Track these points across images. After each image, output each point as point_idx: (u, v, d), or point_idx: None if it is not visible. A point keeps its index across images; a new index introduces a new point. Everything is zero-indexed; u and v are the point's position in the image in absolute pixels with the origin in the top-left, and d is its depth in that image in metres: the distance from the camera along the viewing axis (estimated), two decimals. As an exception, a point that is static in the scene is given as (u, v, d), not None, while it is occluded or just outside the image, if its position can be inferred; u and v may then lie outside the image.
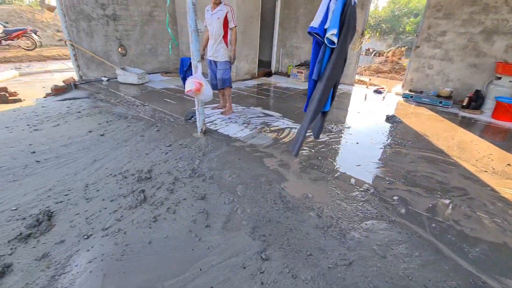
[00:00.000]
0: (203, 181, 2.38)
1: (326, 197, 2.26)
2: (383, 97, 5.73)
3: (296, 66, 7.26)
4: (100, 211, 1.93)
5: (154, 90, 5.43)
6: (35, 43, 10.95)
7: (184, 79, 3.99)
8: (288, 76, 7.35)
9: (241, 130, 3.57)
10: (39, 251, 1.55)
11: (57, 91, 5.38)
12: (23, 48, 10.78)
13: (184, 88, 3.48)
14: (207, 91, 2.98)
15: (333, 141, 3.36)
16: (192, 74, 3.21)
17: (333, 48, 1.82)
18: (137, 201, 2.03)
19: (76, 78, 5.74)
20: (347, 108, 4.89)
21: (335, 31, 1.69)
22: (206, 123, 3.63)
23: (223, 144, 3.13)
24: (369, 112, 4.64)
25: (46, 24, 17.06)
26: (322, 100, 1.89)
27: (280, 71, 7.96)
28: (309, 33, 1.88)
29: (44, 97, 5.25)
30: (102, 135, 3.27)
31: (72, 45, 5.41)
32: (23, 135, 3.17)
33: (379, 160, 2.95)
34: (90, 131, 3.36)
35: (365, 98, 5.70)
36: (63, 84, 5.52)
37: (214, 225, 1.87)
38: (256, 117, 4.11)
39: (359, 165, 2.80)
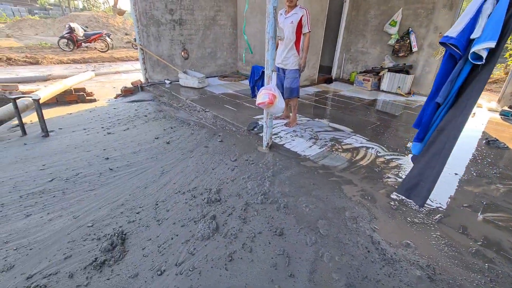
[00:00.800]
0: (277, 210, 2.09)
1: (433, 250, 1.78)
2: (473, 114, 4.82)
3: (360, 72, 6.62)
4: (172, 238, 1.77)
5: (214, 95, 5.39)
6: (108, 45, 12.06)
7: (253, 89, 3.79)
8: (351, 83, 6.75)
9: (310, 146, 3.22)
10: (113, 285, 1.42)
11: (126, 92, 5.68)
12: (98, 50, 11.96)
13: (254, 97, 3.26)
14: (280, 104, 2.69)
15: (423, 169, 2.80)
16: (263, 85, 2.97)
17: (477, 65, 1.36)
18: (209, 229, 1.82)
19: (143, 80, 6.01)
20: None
21: (492, 44, 1.23)
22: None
23: (292, 163, 2.81)
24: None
25: (117, 28, 18.88)
26: (456, 133, 1.44)
27: (341, 77, 7.39)
28: (442, 43, 1.45)
29: (114, 98, 5.59)
30: (168, 143, 3.23)
31: (142, 49, 5.66)
32: (98, 138, 3.29)
33: (491, 201, 2.33)
34: (157, 138, 3.35)
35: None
36: (131, 86, 5.82)
37: (298, 275, 1.55)
38: (324, 131, 3.71)
39: (467, 206, 2.23)
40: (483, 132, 3.89)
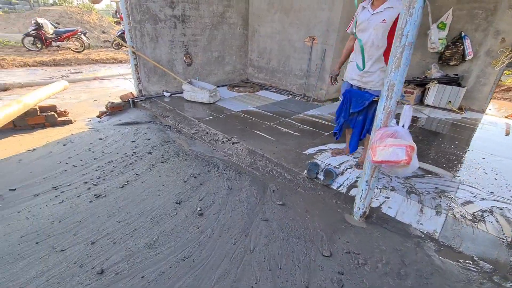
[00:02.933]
0: None
1: None
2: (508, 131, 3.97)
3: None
4: None
5: (232, 113, 4.15)
6: (84, 44, 10.38)
7: (342, 126, 2.51)
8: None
9: (421, 212, 2.10)
10: None
11: (113, 109, 4.29)
12: (72, 50, 10.23)
13: (338, 138, 2.18)
14: (415, 162, 1.54)
15: None
16: (367, 123, 1.82)
17: None
18: None
19: (135, 92, 4.64)
20: (486, 150, 3.22)
21: None
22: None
23: (417, 254, 1.68)
24: None
25: (93, 25, 16.94)
26: None
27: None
28: None
29: (98, 117, 4.20)
30: (200, 213, 1.97)
31: (134, 53, 4.30)
32: (79, 212, 1.95)
33: None
34: (179, 203, 2.08)
35: (508, 133, 4.00)
36: (120, 101, 4.44)
37: None
38: (414, 176, 2.61)
39: None
40: None
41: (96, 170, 2.43)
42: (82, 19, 17.01)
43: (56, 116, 3.80)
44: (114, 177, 2.36)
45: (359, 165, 2.73)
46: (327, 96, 5.14)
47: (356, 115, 2.08)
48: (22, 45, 9.75)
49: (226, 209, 2.03)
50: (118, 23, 20.57)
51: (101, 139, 3.17)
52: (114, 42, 12.17)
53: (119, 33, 12.13)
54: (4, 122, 2.96)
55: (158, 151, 2.91)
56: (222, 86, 5.87)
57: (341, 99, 2.69)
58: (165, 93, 4.82)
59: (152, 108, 4.23)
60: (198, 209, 2.01)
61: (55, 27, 10.20)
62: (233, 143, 3.12)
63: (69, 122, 3.88)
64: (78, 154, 2.73)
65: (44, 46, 9.67)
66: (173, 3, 4.54)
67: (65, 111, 3.98)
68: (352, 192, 2.28)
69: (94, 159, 2.65)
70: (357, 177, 2.53)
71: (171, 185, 2.30)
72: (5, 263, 1.49)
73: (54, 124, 3.75)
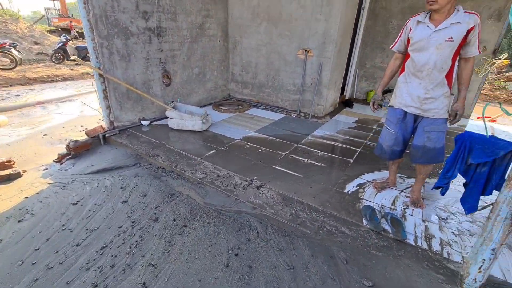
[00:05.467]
0: None
1: None
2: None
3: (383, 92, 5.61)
4: None
5: (234, 142, 3.51)
6: (16, 60, 8.59)
7: (450, 179, 1.89)
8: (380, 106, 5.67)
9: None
10: None
11: (78, 150, 3.31)
12: (0, 68, 8.34)
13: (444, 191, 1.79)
14: None
15: None
16: (500, 174, 1.41)
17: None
18: None
19: (105, 125, 3.68)
20: None
21: None
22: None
23: None
24: None
25: (21, 35, 14.45)
26: None
27: (355, 97, 6.29)
28: None
29: (57, 161, 3.20)
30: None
31: (101, 75, 3.38)
32: None
33: None
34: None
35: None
36: (86, 137, 3.45)
37: None
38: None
39: None
40: None
41: (87, 270, 1.60)
42: (7, 29, 14.41)
43: (-4, 170, 2.72)
44: (118, 278, 1.56)
45: (414, 203, 2.36)
46: (325, 111, 4.81)
47: (476, 166, 1.67)
48: None
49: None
50: (53, 31, 17.95)
51: (76, 203, 2.26)
52: (54, 56, 10.37)
53: (60, 44, 10.40)
54: None
55: (167, 215, 2.15)
56: (205, 105, 5.15)
57: (389, 130, 2.30)
58: (143, 122, 3.95)
59: (132, 144, 3.36)
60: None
61: (-27, 40, 8.23)
62: (257, 188, 2.51)
63: (17, 175, 2.82)
64: (48, 239, 1.83)
65: (-42, 64, 7.70)
66: (146, 13, 3.73)
67: (8, 161, 2.89)
68: (434, 245, 1.87)
69: (77, 245, 1.79)
70: (423, 219, 2.14)
71: (210, 277, 1.60)
72: None
73: (-6, 182, 2.67)
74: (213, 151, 3.24)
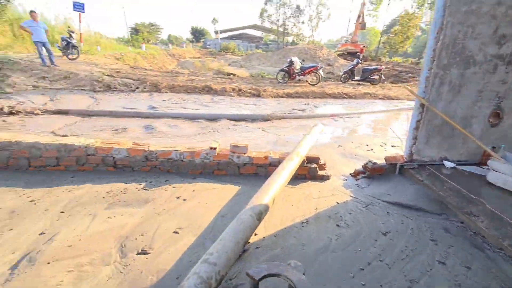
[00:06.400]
0: None
1: None
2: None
3: None
4: None
5: None
6: (319, 78, 11.13)
7: None
8: None
9: None
10: None
11: (373, 171, 3.42)
12: (308, 83, 11.28)
13: None
14: None
15: None
16: None
17: None
18: None
19: (404, 155, 3.55)
20: None
21: None
22: None
23: None
24: None
25: (321, 59, 18.69)
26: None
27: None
28: None
29: (353, 175, 3.50)
30: None
31: (422, 106, 3.20)
32: None
33: None
34: None
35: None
36: (383, 162, 3.51)
37: None
38: None
39: None
40: None
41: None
42: (315, 54, 19.25)
43: (317, 169, 3.43)
44: None
45: None
46: None
47: None
48: (275, 78, 11.95)
49: None
50: (341, 55, 21.75)
51: (385, 234, 2.23)
52: (344, 76, 12.35)
53: (351, 66, 12.16)
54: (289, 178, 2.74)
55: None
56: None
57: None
58: (446, 163, 3.37)
59: (435, 186, 2.92)
60: None
61: (301, 63, 11.70)
62: None
63: (327, 178, 3.41)
64: (369, 264, 1.89)
65: (289, 79, 11.30)
66: (504, 37, 3.00)
67: (324, 164, 3.58)
68: None
69: (401, 291, 1.68)
70: None
71: None
72: None
73: (314, 177, 3.39)
74: None
